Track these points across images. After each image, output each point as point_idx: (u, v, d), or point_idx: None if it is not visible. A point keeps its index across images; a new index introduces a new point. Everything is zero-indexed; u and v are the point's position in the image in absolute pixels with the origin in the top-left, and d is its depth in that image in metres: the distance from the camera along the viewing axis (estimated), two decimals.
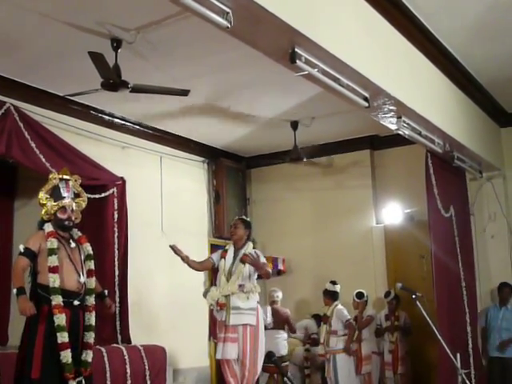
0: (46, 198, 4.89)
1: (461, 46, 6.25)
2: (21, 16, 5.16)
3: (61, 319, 4.59)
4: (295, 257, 9.27)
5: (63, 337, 4.56)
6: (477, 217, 8.06)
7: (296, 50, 4.36)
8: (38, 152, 6.35)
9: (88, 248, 5.00)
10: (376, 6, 5.19)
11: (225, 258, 6.18)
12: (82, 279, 4.83)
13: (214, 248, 9.05)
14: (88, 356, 4.77)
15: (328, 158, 9.12)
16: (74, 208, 4.95)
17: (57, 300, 4.61)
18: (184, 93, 5.95)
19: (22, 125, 6.31)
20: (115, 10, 5.13)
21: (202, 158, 9.17)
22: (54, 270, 4.65)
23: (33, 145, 6.33)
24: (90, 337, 4.82)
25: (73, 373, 4.57)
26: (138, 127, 8.01)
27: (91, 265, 4.97)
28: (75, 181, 5.07)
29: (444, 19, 5.68)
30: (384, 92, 5.30)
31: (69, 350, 4.58)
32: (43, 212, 4.90)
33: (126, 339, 7.01)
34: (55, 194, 4.89)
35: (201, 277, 8.45)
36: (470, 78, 7.00)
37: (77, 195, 5.07)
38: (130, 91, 5.70)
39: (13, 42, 5.64)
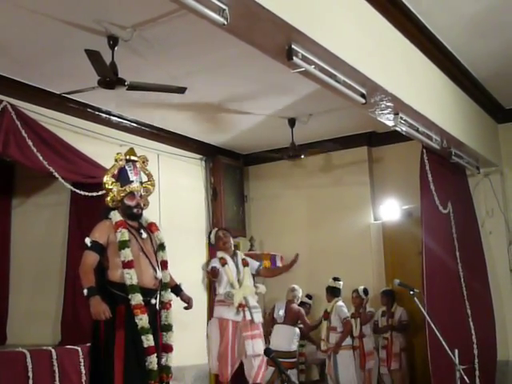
0: (112, 183, 4.38)
1: (457, 41, 6.24)
2: (17, 14, 5.14)
3: (144, 320, 4.08)
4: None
5: (148, 340, 4.05)
6: None
7: (293, 46, 4.34)
8: (35, 150, 6.33)
9: (160, 236, 4.50)
10: (372, 1, 5.18)
11: (227, 265, 6.33)
12: (159, 274, 4.32)
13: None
14: (169, 360, 4.31)
15: (326, 155, 9.13)
16: (143, 193, 4.44)
17: (137, 299, 4.09)
18: (181, 90, 5.94)
19: (19, 123, 6.29)
20: (112, 7, 5.12)
21: (199, 156, 9.18)
22: (129, 264, 4.12)
23: (30, 143, 6.31)
24: (170, 337, 4.36)
25: (157, 380, 4.14)
26: (135, 125, 8.00)
27: (164, 255, 4.47)
28: (143, 162, 4.56)
29: (440, 15, 5.67)
30: (381, 88, 5.29)
31: (155, 355, 4.09)
32: (109, 198, 4.40)
33: None
34: (122, 178, 4.38)
35: (199, 275, 8.49)
36: (467, 73, 6.99)
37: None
38: (127, 89, 5.69)
39: (9, 39, 5.63)
